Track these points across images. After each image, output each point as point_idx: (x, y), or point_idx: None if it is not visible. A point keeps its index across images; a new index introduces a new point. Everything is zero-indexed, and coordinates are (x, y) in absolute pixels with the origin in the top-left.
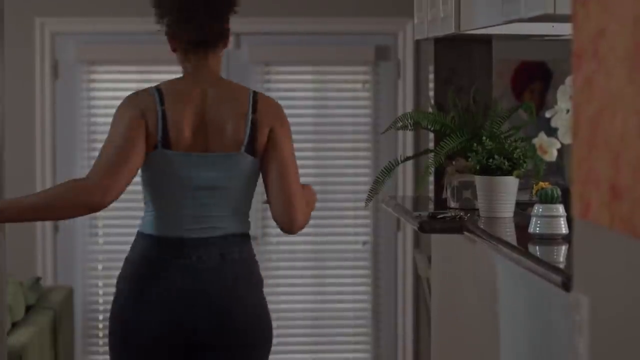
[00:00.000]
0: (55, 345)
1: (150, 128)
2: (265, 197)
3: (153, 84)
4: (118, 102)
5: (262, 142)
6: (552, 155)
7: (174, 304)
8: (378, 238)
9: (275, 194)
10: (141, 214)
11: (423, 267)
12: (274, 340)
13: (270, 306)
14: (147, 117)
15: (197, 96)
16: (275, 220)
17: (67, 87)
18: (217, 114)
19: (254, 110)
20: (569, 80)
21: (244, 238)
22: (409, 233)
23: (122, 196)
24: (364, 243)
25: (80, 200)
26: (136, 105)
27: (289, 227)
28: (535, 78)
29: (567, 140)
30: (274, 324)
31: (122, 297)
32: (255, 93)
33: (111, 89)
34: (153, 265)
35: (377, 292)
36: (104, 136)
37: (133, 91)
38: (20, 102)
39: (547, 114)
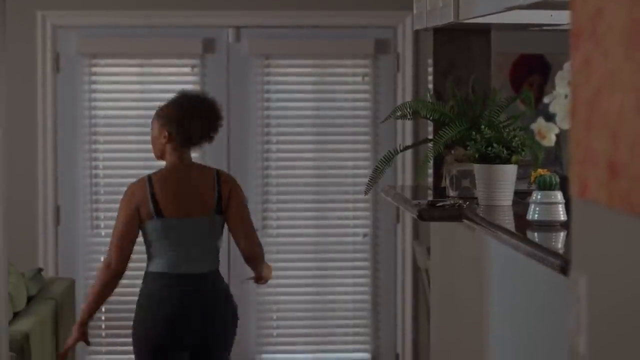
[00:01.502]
0: (56, 334)
1: (142, 208)
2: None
3: (152, 78)
4: (119, 95)
5: (224, 205)
6: (551, 140)
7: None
8: (377, 230)
9: (240, 235)
10: None
11: (422, 258)
12: (275, 332)
13: (270, 298)
14: (140, 204)
15: (179, 179)
16: (242, 252)
17: (69, 80)
18: (193, 190)
19: (218, 185)
20: (567, 65)
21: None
22: (408, 225)
23: (121, 197)
24: (364, 235)
25: (114, 281)
26: (131, 198)
27: (253, 257)
28: (534, 71)
29: (566, 125)
30: (274, 315)
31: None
32: (217, 171)
33: (112, 82)
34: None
35: (376, 284)
36: (105, 129)
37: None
38: (22, 95)
39: (546, 100)
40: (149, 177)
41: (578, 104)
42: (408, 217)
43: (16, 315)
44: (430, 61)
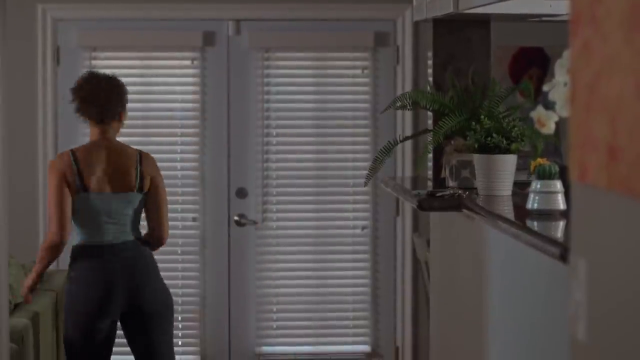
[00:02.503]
0: (56, 326)
1: (69, 182)
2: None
3: (152, 70)
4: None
5: (146, 185)
6: (550, 128)
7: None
8: (377, 223)
9: (152, 217)
10: None
11: (422, 250)
12: (275, 324)
13: (269, 290)
14: (67, 175)
15: (101, 156)
16: (149, 231)
17: (69, 73)
18: (116, 167)
19: (140, 164)
20: (566, 53)
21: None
22: (408, 218)
23: None
24: (363, 228)
25: (56, 252)
26: (58, 172)
27: (158, 239)
28: (534, 64)
29: (565, 113)
30: (273, 307)
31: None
32: (140, 152)
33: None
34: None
35: (376, 277)
36: None
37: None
38: (22, 88)
39: (545, 88)
40: (72, 151)
41: (577, 88)
42: (408, 209)
43: (16, 306)
44: (429, 54)
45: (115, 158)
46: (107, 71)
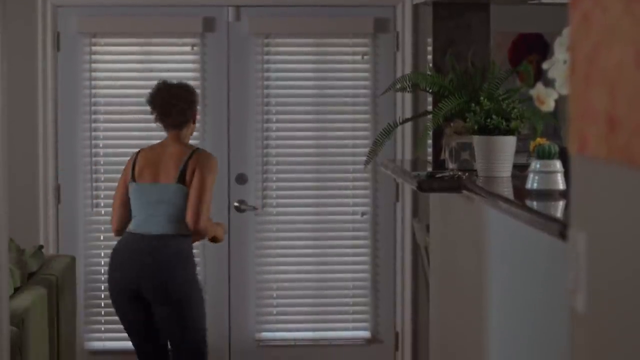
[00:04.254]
0: (57, 310)
1: (126, 175)
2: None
3: (152, 56)
4: (119, 74)
5: (188, 179)
6: (550, 105)
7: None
8: (377, 209)
9: (190, 207)
10: None
11: (421, 235)
12: (275, 310)
13: (269, 276)
14: (126, 172)
15: (159, 152)
16: (187, 222)
17: (69, 59)
18: (165, 161)
19: (188, 159)
20: (565, 31)
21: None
22: (407, 203)
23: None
24: (363, 214)
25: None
26: (124, 168)
27: (193, 230)
28: (533, 50)
29: (565, 90)
30: (273, 293)
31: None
32: (194, 150)
33: (112, 61)
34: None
35: (375, 262)
36: (106, 108)
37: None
38: (22, 74)
39: (545, 66)
40: (141, 149)
41: (577, 60)
42: (407, 195)
43: (17, 290)
44: (429, 40)
45: (169, 154)
46: (174, 80)
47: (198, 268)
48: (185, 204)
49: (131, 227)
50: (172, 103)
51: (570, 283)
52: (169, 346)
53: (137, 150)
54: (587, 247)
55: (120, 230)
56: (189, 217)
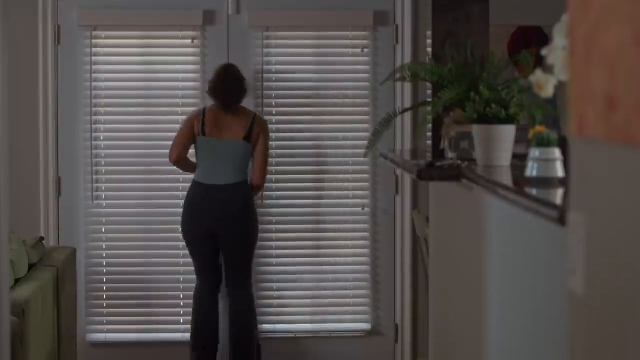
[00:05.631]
0: (58, 300)
1: (195, 127)
2: None
3: (153, 49)
4: (119, 67)
5: (254, 139)
6: (549, 91)
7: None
8: (377, 202)
9: (255, 166)
10: (135, 185)
11: (421, 227)
12: (274, 302)
13: (270, 269)
14: (194, 122)
15: (223, 113)
16: (252, 178)
17: (70, 52)
18: (232, 121)
19: (252, 123)
20: (564, 17)
21: (243, 184)
22: (407, 196)
23: (122, 168)
24: (364, 207)
25: (180, 167)
26: (190, 118)
27: (255, 184)
28: (532, 43)
29: (564, 76)
30: (274, 285)
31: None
32: (255, 115)
33: (113, 53)
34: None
35: (376, 255)
36: (106, 100)
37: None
38: (23, 67)
39: (543, 52)
40: (205, 108)
41: (576, 42)
42: (407, 188)
43: (17, 281)
44: (429, 33)
45: (234, 115)
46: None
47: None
48: (247, 158)
49: (201, 178)
50: (231, 91)
51: (569, 265)
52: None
53: (202, 107)
54: (586, 228)
55: (179, 161)
56: (257, 176)
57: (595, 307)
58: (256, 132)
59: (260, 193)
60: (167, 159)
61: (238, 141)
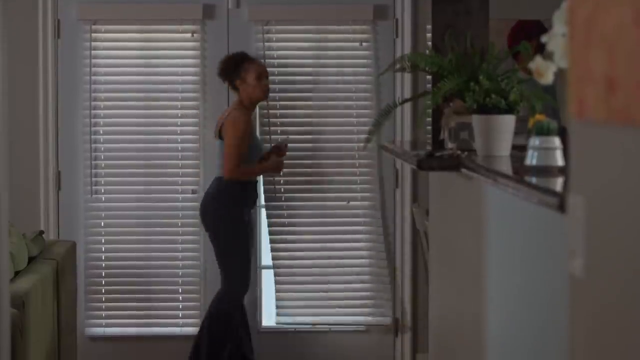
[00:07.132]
0: (57, 293)
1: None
2: None
3: (152, 43)
4: (119, 61)
5: (223, 134)
6: (548, 78)
7: None
8: (378, 196)
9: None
10: (134, 179)
11: (421, 220)
12: (277, 295)
13: (272, 261)
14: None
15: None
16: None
17: (69, 46)
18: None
19: (226, 117)
20: (564, 4)
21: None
22: (407, 189)
23: (121, 162)
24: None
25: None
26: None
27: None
28: (532, 37)
29: (564, 63)
30: (277, 279)
31: None
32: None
33: (112, 47)
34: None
35: (375, 249)
36: (106, 95)
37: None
38: (23, 61)
39: (543, 39)
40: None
41: (576, 24)
42: (407, 181)
43: (17, 274)
44: (428, 27)
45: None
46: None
47: (198, 254)
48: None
49: None
50: (220, 68)
51: (569, 247)
52: None
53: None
54: (586, 211)
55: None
56: (222, 168)
57: (595, 289)
58: (222, 123)
59: (273, 187)
60: (166, 153)
61: (218, 140)
